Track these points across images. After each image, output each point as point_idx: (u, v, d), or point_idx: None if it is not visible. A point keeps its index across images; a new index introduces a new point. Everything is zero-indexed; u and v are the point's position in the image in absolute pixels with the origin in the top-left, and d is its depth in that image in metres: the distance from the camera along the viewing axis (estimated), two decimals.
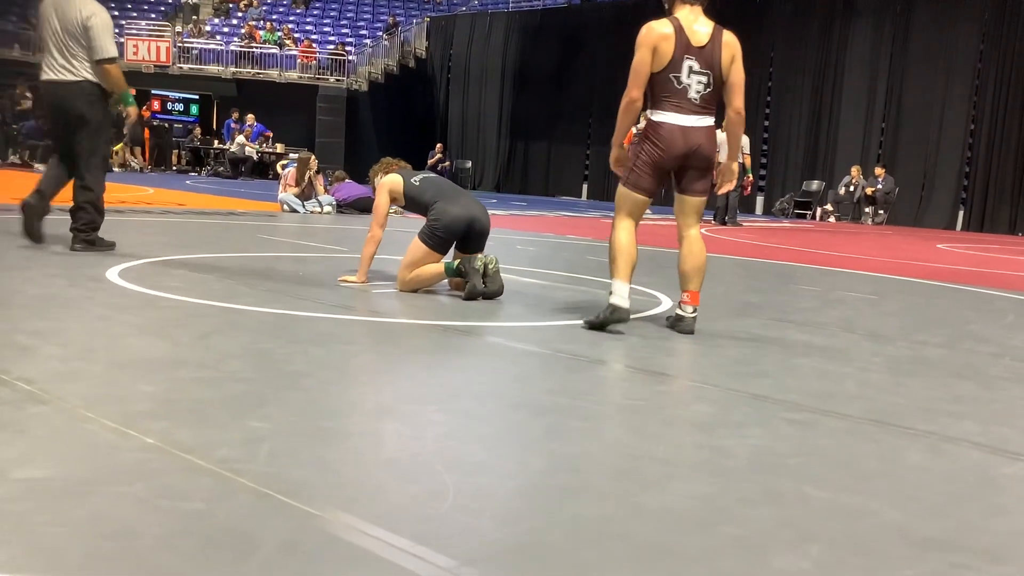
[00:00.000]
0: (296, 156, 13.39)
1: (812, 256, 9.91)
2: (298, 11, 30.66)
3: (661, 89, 4.26)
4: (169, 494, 1.89)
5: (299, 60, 26.79)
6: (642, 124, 4.44)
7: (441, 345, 3.90)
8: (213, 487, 1.95)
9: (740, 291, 6.48)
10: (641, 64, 4.23)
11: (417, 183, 5.35)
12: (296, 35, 28.24)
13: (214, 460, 2.11)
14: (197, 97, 26.59)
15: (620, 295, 4.24)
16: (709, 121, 4.35)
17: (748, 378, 3.48)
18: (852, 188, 19.79)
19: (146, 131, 23.91)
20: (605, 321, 4.24)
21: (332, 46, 27.59)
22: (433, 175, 5.62)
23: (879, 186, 19.51)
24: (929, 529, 2.02)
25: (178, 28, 27.75)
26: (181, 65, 26.16)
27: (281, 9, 30.76)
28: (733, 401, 3.09)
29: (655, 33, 4.23)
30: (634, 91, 4.26)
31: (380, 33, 28.69)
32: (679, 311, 4.43)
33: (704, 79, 4.26)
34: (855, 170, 19.79)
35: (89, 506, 1.81)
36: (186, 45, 26.66)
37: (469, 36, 27.62)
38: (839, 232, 15.82)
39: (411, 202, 5.34)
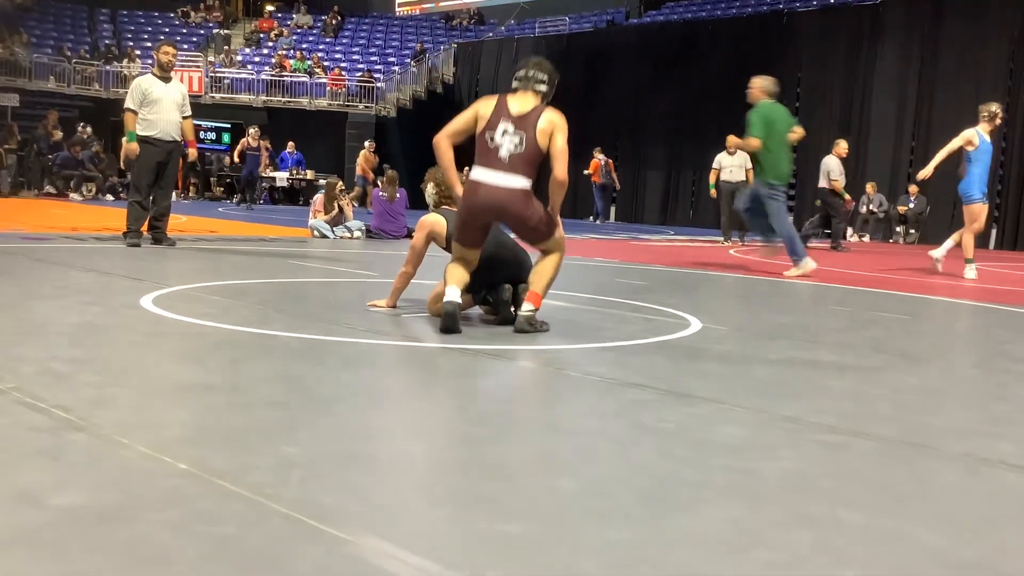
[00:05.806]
0: (324, 182, 13.46)
1: (842, 276, 9.83)
2: (327, 39, 31.05)
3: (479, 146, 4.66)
4: (202, 519, 1.91)
5: (328, 88, 27.10)
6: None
7: (471, 369, 3.91)
8: (245, 512, 1.97)
9: (770, 312, 6.44)
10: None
11: None
12: (325, 63, 28.58)
13: (246, 485, 2.13)
14: (229, 126, 26.98)
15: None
16: (519, 182, 4.69)
17: (779, 400, 3.45)
18: (871, 207, 19.70)
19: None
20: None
21: (360, 73, 27.90)
22: None
23: (911, 205, 19.35)
24: (966, 552, 1.99)
25: (210, 58, 28.19)
26: (213, 94, 26.56)
27: (311, 38, 31.17)
28: (764, 423, 3.07)
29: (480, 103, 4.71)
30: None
31: (408, 60, 28.98)
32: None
33: (517, 139, 4.63)
34: (870, 187, 19.76)
35: (124, 532, 1.83)
36: (218, 75, 27.08)
37: (496, 61, 27.79)
38: (870, 252, 15.67)
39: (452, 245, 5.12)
